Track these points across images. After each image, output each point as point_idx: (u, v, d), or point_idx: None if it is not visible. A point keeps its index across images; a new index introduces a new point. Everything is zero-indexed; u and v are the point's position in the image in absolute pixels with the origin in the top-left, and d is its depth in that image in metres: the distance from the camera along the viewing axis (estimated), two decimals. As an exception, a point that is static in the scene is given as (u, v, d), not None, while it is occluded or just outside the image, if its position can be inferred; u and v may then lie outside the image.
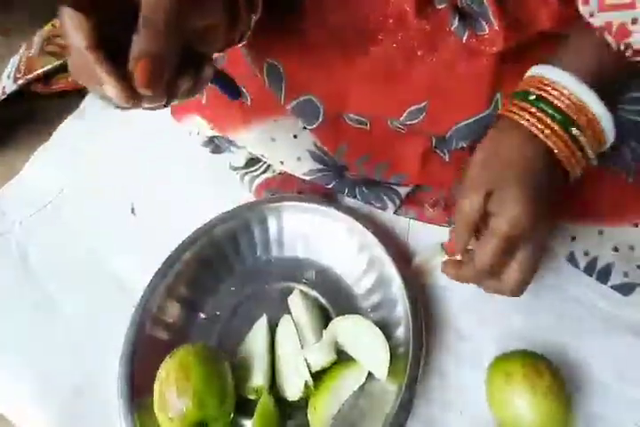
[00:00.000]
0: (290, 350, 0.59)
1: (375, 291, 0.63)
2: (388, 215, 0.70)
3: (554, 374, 0.52)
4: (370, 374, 0.57)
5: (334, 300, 0.64)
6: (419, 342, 0.57)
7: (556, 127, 0.45)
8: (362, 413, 0.57)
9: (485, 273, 0.48)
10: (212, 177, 0.75)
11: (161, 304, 0.64)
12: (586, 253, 0.62)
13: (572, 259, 0.61)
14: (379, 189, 0.69)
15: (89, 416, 0.61)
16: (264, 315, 0.63)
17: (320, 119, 0.60)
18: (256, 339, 0.61)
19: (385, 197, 0.69)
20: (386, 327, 0.59)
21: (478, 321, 0.62)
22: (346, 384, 0.57)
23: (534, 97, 0.45)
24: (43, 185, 0.81)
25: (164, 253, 0.66)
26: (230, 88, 0.49)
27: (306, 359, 0.57)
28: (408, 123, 0.58)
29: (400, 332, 0.59)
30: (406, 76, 0.56)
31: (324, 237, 0.67)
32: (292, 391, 0.57)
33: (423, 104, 0.56)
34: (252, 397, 0.58)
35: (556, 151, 0.45)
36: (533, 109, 0.45)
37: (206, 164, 0.76)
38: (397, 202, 0.69)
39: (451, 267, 0.52)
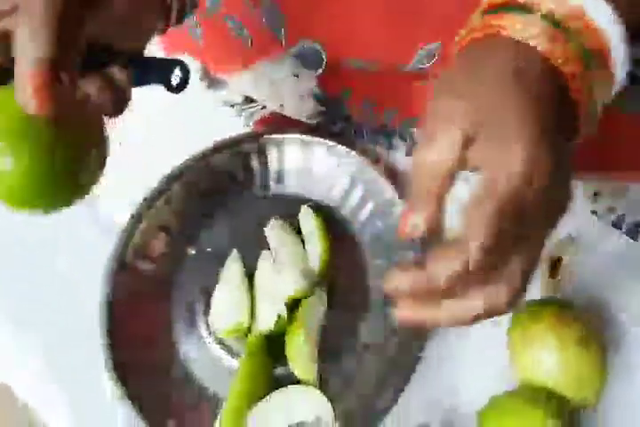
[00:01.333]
0: (264, 282, 0.55)
1: (385, 236, 0.58)
2: (399, 157, 0.65)
3: (585, 324, 0.46)
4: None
5: (336, 240, 0.58)
6: None
7: (548, 28, 0.31)
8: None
9: (472, 277, 0.29)
10: (207, 113, 0.70)
11: (146, 234, 0.59)
12: (611, 210, 0.57)
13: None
14: (390, 130, 0.64)
15: (71, 351, 0.58)
16: (234, 250, 0.59)
17: (323, 67, 0.57)
18: (228, 276, 0.57)
19: (397, 137, 0.64)
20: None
21: None
22: (312, 311, 0.52)
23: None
24: None
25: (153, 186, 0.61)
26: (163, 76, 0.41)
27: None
28: (420, 67, 0.54)
29: None
30: (417, 12, 0.51)
31: (330, 174, 0.62)
32: (267, 324, 0.52)
33: (435, 45, 0.52)
34: (232, 338, 0.53)
35: (559, 62, 0.30)
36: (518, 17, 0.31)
37: (201, 99, 0.70)
38: (410, 142, 0.64)
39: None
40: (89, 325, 0.55)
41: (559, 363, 0.45)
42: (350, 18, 0.53)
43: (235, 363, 0.53)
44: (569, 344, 0.45)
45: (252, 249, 0.59)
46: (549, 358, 0.45)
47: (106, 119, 0.37)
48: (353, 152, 0.60)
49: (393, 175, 0.59)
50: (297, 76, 0.62)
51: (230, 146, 0.63)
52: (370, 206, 0.60)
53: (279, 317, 0.50)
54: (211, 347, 0.54)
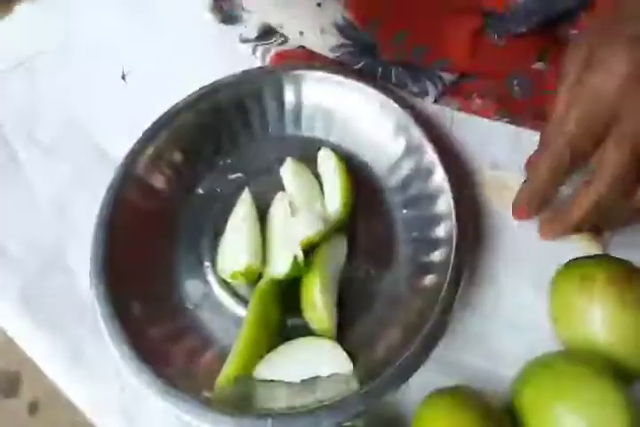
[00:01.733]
0: (277, 225, 0.49)
1: (411, 184, 0.53)
2: (426, 102, 0.59)
3: None
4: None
5: (358, 191, 0.53)
6: (463, 244, 0.46)
7: None
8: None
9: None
10: (219, 48, 0.64)
11: (148, 167, 0.53)
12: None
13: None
14: (418, 71, 0.59)
15: (57, 291, 0.52)
16: (246, 188, 0.53)
17: None
18: (238, 216, 0.51)
19: (426, 81, 0.58)
20: (422, 227, 0.50)
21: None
22: (331, 258, 0.47)
23: None
24: (21, 42, 0.68)
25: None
26: None
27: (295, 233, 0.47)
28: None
29: (439, 232, 0.49)
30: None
31: (351, 116, 0.56)
32: (281, 268, 0.46)
33: None
34: (241, 282, 0.48)
35: None
36: None
37: (214, 34, 0.64)
38: (440, 88, 0.58)
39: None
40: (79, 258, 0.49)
41: (616, 324, 0.39)
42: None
43: (242, 311, 0.47)
44: (627, 303, 0.38)
45: (266, 191, 0.53)
46: (604, 319, 0.39)
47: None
48: (378, 91, 0.54)
49: (421, 119, 0.53)
50: (319, 6, 0.56)
51: (244, 81, 0.57)
52: (396, 151, 0.54)
53: (295, 259, 0.44)
54: (217, 292, 0.49)
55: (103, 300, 0.44)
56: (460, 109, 0.59)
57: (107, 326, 0.43)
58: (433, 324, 0.42)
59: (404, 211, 0.52)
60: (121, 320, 0.43)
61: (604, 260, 0.42)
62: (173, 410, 0.39)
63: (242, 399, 0.41)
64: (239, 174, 0.56)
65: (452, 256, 0.45)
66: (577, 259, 0.44)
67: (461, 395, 0.39)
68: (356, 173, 0.54)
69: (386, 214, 0.52)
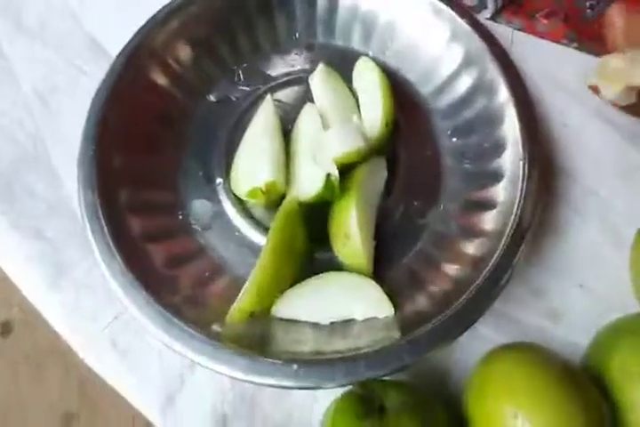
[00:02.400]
0: (306, 139, 0.41)
1: (464, 106, 0.44)
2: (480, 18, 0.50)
3: None
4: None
5: (401, 114, 0.44)
6: (531, 180, 0.38)
7: None
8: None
9: None
10: None
11: (152, 59, 0.44)
12: None
13: None
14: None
15: (38, 191, 0.43)
16: (268, 95, 0.44)
17: None
18: (258, 127, 0.42)
19: (485, -10, 0.49)
20: (477, 157, 0.42)
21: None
22: (369, 181, 0.39)
23: None
24: None
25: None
26: None
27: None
28: None
29: (499, 163, 0.41)
30: None
31: (396, 23, 0.47)
32: (310, 188, 0.37)
33: None
34: (259, 201, 0.40)
35: None
36: None
37: None
38: (499, 2, 0.49)
39: None
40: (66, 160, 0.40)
41: None
42: None
43: (258, 237, 0.39)
44: None
45: (290, 104, 0.45)
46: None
47: None
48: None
49: (481, 31, 0.44)
50: None
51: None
52: (449, 67, 0.45)
53: (328, 178, 0.36)
54: (229, 212, 0.40)
55: (92, 211, 0.35)
56: (521, 30, 0.50)
57: (96, 242, 0.34)
58: (490, 272, 0.34)
59: (454, 138, 0.44)
60: (115, 236, 0.35)
61: None
62: (176, 346, 0.32)
63: (257, 339, 0.34)
64: (259, 85, 0.46)
65: (519, 195, 0.37)
66: None
67: (532, 351, 0.32)
68: (399, 91, 0.45)
69: (432, 141, 0.45)
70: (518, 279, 0.39)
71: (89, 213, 0.36)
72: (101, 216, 0.35)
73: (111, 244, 0.34)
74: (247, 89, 0.47)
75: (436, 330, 0.32)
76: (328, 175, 0.37)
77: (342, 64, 0.47)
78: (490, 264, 0.35)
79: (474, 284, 0.34)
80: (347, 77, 0.46)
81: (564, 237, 0.41)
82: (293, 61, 0.49)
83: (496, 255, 0.35)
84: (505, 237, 0.36)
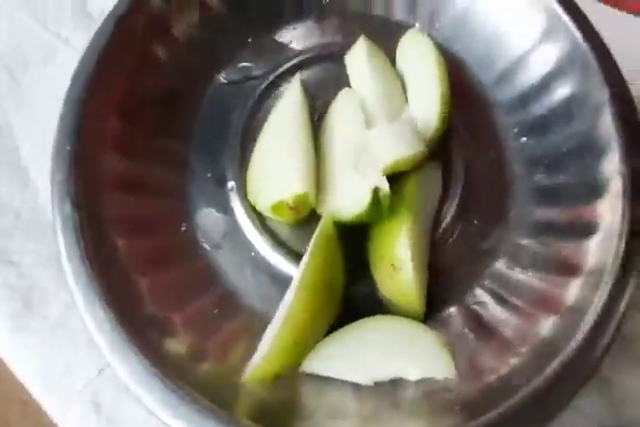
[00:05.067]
0: (345, 138, 0.32)
1: (539, 96, 0.35)
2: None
3: None
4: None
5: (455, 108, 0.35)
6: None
7: None
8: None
9: None
10: None
11: (149, 25, 0.35)
12: None
13: None
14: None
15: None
16: (297, 76, 0.36)
17: None
18: (283, 121, 0.33)
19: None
20: (555, 166, 0.33)
21: None
22: (424, 197, 0.31)
23: None
24: None
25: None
26: None
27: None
28: None
29: (594, 174, 0.31)
30: None
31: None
32: (349, 206, 0.29)
33: None
34: (284, 219, 0.31)
35: None
36: None
37: None
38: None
39: None
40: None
41: None
42: None
43: (282, 262, 0.30)
44: None
45: (321, 87, 0.36)
46: None
47: None
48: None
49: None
50: None
51: None
52: (520, 45, 0.36)
53: (375, 194, 0.28)
54: (246, 229, 0.32)
55: (70, 230, 0.27)
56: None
57: (74, 272, 0.26)
58: (593, 323, 0.26)
59: (525, 138, 0.35)
60: (98, 264, 0.26)
61: None
62: (177, 424, 0.24)
63: (282, 411, 0.25)
64: (280, 61, 0.37)
65: (620, 212, 0.28)
66: None
67: None
68: (452, 78, 0.36)
69: (495, 142, 0.36)
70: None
71: (65, 233, 0.27)
72: (82, 238, 0.27)
73: (94, 279, 0.26)
74: (265, 66, 0.38)
75: (522, 407, 0.24)
76: (375, 190, 0.28)
77: (383, 37, 0.38)
78: (591, 312, 0.27)
79: (571, 339, 0.26)
80: (389, 52, 0.38)
81: None
82: (322, 31, 0.40)
83: (598, 298, 0.27)
84: (607, 275, 0.27)
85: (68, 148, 0.29)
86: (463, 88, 0.38)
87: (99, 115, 0.30)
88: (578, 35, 0.33)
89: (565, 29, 0.34)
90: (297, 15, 0.40)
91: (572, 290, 0.28)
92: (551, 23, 0.35)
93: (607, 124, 0.31)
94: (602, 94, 0.32)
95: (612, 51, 0.38)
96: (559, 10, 0.34)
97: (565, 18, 0.34)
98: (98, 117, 0.30)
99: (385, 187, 0.29)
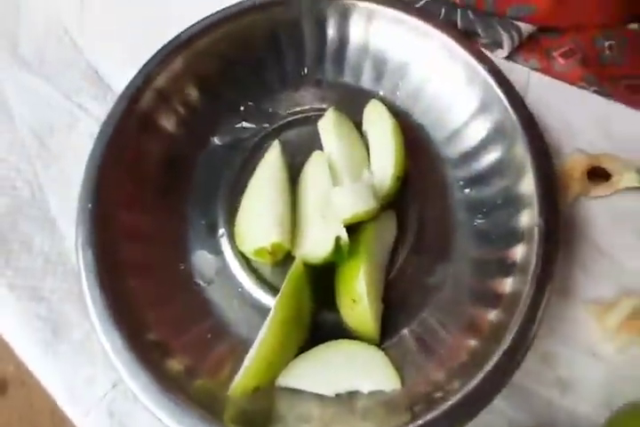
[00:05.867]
0: (315, 195, 0.39)
1: (478, 155, 0.42)
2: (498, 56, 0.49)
3: None
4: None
5: (410, 161, 0.42)
6: (550, 241, 0.36)
7: None
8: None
9: None
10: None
11: (156, 102, 0.42)
12: None
13: None
14: (491, 17, 0.49)
15: (36, 244, 0.41)
16: (276, 141, 0.43)
17: None
18: (265, 176, 0.40)
19: (499, 29, 0.47)
20: (491, 213, 0.40)
21: (628, 239, 0.42)
22: (377, 241, 0.38)
23: None
24: None
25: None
26: None
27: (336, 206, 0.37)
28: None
29: (516, 221, 0.39)
30: None
31: (408, 63, 0.45)
32: (319, 251, 0.36)
33: None
34: (265, 261, 0.38)
35: None
36: None
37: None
38: (516, 40, 0.48)
39: None
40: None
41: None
42: None
43: (264, 296, 0.38)
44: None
45: (298, 148, 0.44)
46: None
47: None
48: (444, 34, 0.43)
49: (499, 75, 0.42)
50: None
51: (277, 4, 0.45)
52: (463, 113, 0.43)
53: (337, 242, 0.35)
54: (233, 267, 0.39)
55: (91, 273, 0.34)
56: (538, 70, 0.48)
57: (95, 306, 0.33)
58: (510, 343, 0.33)
59: (467, 190, 0.42)
60: (115, 302, 0.33)
61: None
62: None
63: (262, 417, 0.32)
64: (266, 124, 0.45)
65: (535, 255, 0.35)
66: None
67: None
68: (410, 136, 0.44)
69: (442, 193, 0.43)
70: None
71: (88, 275, 0.34)
72: (101, 279, 0.34)
73: (111, 312, 0.33)
74: (254, 128, 0.46)
75: (451, 411, 0.31)
76: (337, 238, 0.36)
77: (352, 103, 0.46)
78: (508, 334, 0.33)
79: (492, 357, 0.33)
80: (357, 115, 0.45)
81: (573, 301, 0.39)
82: (301, 99, 0.47)
83: (513, 324, 0.34)
84: (521, 305, 0.34)
85: (90, 206, 0.36)
86: (419, 146, 0.45)
87: (113, 178, 0.38)
88: (509, 107, 0.40)
89: (499, 102, 0.41)
90: (280, 84, 0.47)
91: (494, 317, 0.35)
92: (487, 97, 0.42)
93: (529, 183, 0.38)
94: (526, 159, 0.39)
95: (548, 119, 0.45)
96: (494, 86, 0.41)
97: (499, 93, 0.41)
98: (113, 180, 0.38)
99: (344, 236, 0.36)
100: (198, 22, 0.44)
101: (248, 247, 0.38)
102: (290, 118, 0.46)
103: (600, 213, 0.42)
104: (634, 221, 0.42)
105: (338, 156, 0.41)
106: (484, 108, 0.42)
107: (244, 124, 0.46)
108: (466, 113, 0.43)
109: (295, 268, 0.36)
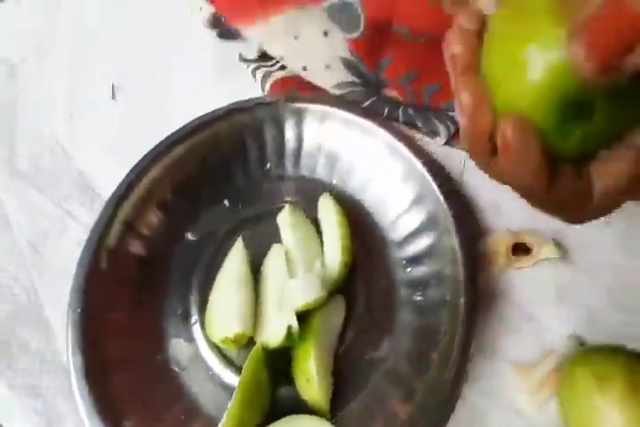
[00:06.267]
0: (273, 285, 0.46)
1: (416, 239, 0.49)
2: (436, 144, 0.55)
3: None
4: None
5: (359, 242, 0.49)
6: (469, 316, 0.44)
7: None
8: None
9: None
10: (216, 66, 0.59)
11: (137, 209, 0.49)
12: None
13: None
14: (428, 111, 0.55)
15: (32, 345, 0.48)
16: (239, 239, 0.49)
17: (360, 31, 0.48)
18: (230, 271, 0.47)
19: (436, 121, 0.54)
20: (427, 289, 0.47)
21: (548, 300, 0.48)
22: (327, 324, 0.44)
23: None
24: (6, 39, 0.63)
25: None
26: None
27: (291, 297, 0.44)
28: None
29: (445, 296, 0.45)
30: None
31: (355, 157, 0.52)
32: (274, 338, 0.43)
33: None
34: (230, 348, 0.45)
35: None
36: None
37: (211, 49, 0.59)
38: (452, 128, 0.54)
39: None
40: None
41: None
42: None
43: (231, 376, 0.44)
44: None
45: (261, 239, 0.50)
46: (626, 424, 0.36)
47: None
48: (386, 132, 0.50)
49: (434, 166, 0.49)
50: (326, 35, 0.52)
51: (243, 112, 0.52)
52: (403, 201, 0.50)
53: (289, 330, 0.41)
54: (204, 354, 0.46)
55: (80, 373, 0.41)
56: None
57: (83, 402, 0.39)
58: (439, 407, 0.39)
59: (408, 269, 0.48)
60: (99, 397, 0.39)
61: (622, 356, 0.39)
62: None
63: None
64: (233, 218, 0.52)
65: (459, 323, 0.42)
66: (591, 350, 0.42)
67: None
68: (358, 221, 0.50)
69: (387, 272, 0.49)
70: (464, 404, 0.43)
71: (77, 374, 0.41)
72: (88, 377, 0.40)
73: (96, 406, 0.39)
74: (223, 222, 0.52)
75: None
76: (289, 327, 0.42)
77: (310, 193, 0.52)
78: (438, 395, 0.40)
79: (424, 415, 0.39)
80: (314, 204, 0.51)
81: (501, 362, 0.45)
82: (265, 193, 0.54)
83: (444, 384, 0.41)
84: (449, 368, 0.41)
85: (79, 310, 0.42)
86: (367, 229, 0.51)
87: (99, 282, 0.44)
88: (442, 200, 0.47)
89: (433, 194, 0.47)
90: (247, 181, 0.54)
91: (428, 380, 0.42)
92: (423, 190, 0.48)
93: (456, 265, 0.45)
94: (455, 245, 0.45)
95: (480, 199, 0.52)
96: (430, 180, 0.48)
97: (434, 186, 0.48)
98: (98, 284, 0.44)
99: (295, 325, 0.42)
100: (175, 132, 0.51)
101: (215, 336, 0.44)
102: (256, 211, 0.52)
103: (524, 281, 0.48)
104: (554, 287, 0.47)
105: (294, 248, 0.47)
106: (419, 200, 0.49)
107: (215, 218, 0.52)
108: (406, 202, 0.50)
109: (254, 352, 0.42)
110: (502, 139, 0.28)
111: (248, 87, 0.56)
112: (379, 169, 0.51)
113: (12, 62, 0.61)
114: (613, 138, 0.28)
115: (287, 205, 0.50)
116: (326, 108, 0.52)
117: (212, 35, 0.59)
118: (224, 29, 0.60)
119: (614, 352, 0.40)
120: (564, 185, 0.28)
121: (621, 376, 0.37)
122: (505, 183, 0.32)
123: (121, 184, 0.49)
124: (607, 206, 0.29)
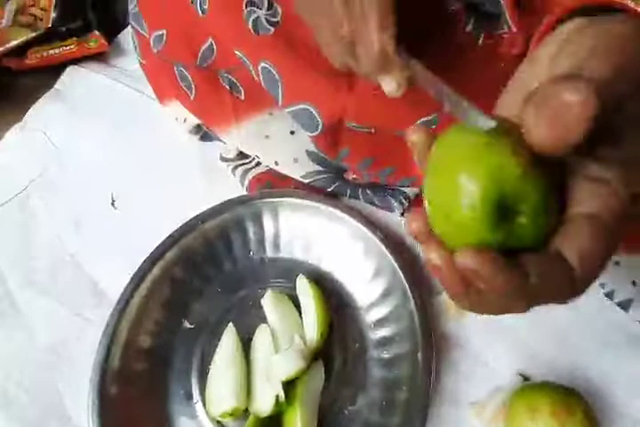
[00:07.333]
0: (261, 360, 0.53)
1: (381, 304, 0.57)
2: (396, 219, 0.63)
3: (586, 413, 0.46)
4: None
5: (333, 310, 0.57)
6: (427, 367, 0.51)
7: None
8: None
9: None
10: (201, 168, 0.69)
11: (142, 307, 0.57)
12: (602, 286, 0.57)
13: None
14: (384, 190, 0.63)
15: None
16: (230, 324, 0.56)
17: (319, 129, 0.54)
18: (224, 353, 0.55)
19: (391, 199, 0.63)
20: (390, 345, 0.54)
21: (495, 345, 0.55)
22: (309, 388, 0.51)
23: None
24: (11, 174, 0.71)
25: (147, 251, 0.59)
26: None
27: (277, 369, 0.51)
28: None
29: (406, 353, 0.53)
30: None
31: (324, 239, 0.61)
32: (264, 407, 0.49)
33: (433, 116, 0.51)
34: (229, 421, 0.51)
35: None
36: None
37: (195, 153, 0.69)
38: (405, 203, 0.63)
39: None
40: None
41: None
42: (348, 88, 0.52)
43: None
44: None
45: (251, 319, 0.57)
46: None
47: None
48: (348, 216, 0.59)
49: (390, 241, 0.57)
50: (293, 133, 0.60)
51: (226, 211, 0.61)
52: (367, 272, 0.58)
53: (276, 399, 0.48)
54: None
55: None
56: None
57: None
58: None
59: (376, 331, 0.56)
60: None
61: (549, 390, 0.48)
62: None
63: None
64: (224, 303, 0.59)
65: (419, 373, 0.50)
66: (527, 386, 0.50)
67: None
68: (332, 292, 0.58)
69: (359, 334, 0.56)
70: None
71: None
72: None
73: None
74: (216, 309, 0.59)
75: None
76: (277, 396, 0.48)
77: (290, 272, 0.60)
78: None
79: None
80: (294, 282, 0.58)
81: (458, 403, 0.52)
82: (251, 276, 0.61)
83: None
84: (413, 418, 0.49)
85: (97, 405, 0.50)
86: (339, 298, 0.59)
87: (112, 377, 0.52)
88: (398, 270, 0.55)
89: (390, 267, 0.56)
90: (233, 267, 0.62)
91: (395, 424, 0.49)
92: (382, 263, 0.56)
93: (415, 328, 0.52)
94: (412, 309, 0.53)
95: None
96: (387, 254, 0.56)
97: (391, 260, 0.56)
98: (112, 378, 0.52)
99: (281, 395, 0.49)
100: (169, 236, 0.60)
101: (214, 412, 0.51)
102: (243, 295, 0.60)
103: (477, 330, 0.56)
104: (501, 334, 0.55)
105: (277, 327, 0.55)
106: (379, 272, 0.57)
107: (208, 305, 0.59)
108: (369, 273, 0.58)
109: (249, 422, 0.49)
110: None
111: (230, 183, 0.66)
112: (345, 247, 0.59)
113: (24, 187, 0.71)
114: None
115: (269, 290, 0.57)
116: (296, 201, 0.61)
117: (195, 139, 0.69)
118: (204, 132, 0.69)
119: (542, 388, 0.48)
120: (538, 272, 0.25)
121: (546, 408, 0.46)
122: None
123: (126, 288, 0.57)
124: (593, 269, 0.26)
